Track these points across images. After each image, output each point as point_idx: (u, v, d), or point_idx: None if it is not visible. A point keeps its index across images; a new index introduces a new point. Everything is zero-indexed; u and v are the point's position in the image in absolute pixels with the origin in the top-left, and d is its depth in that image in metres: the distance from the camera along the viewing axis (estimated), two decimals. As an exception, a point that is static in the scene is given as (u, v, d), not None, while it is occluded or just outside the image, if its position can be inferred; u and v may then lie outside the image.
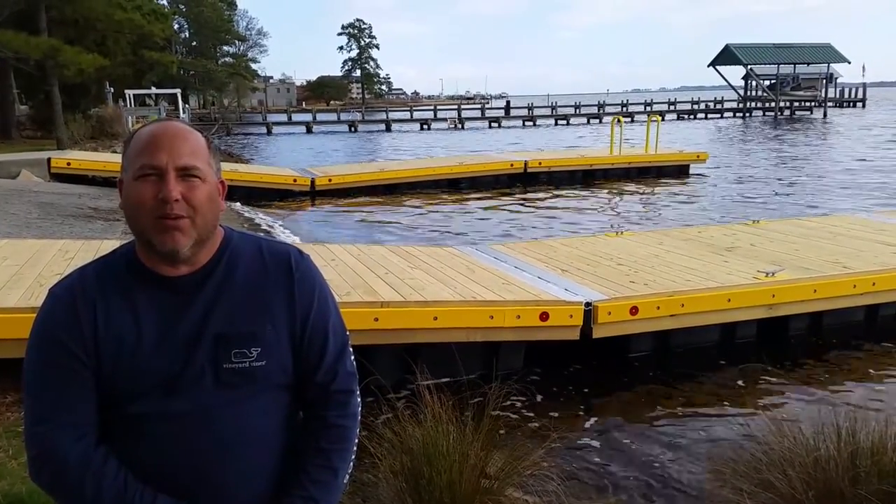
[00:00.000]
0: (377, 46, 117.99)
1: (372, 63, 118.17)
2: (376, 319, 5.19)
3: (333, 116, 56.67)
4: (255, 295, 1.43)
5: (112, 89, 30.98)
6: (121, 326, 1.37)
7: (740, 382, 5.62)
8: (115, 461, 1.36)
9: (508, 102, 62.70)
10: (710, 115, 56.81)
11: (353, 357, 1.56)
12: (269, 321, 1.42)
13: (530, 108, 55.80)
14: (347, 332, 1.56)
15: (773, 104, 54.15)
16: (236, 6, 79.52)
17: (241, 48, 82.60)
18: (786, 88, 54.87)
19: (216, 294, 1.41)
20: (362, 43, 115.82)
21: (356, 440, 1.54)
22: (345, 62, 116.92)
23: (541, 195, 16.96)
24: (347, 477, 1.52)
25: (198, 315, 1.39)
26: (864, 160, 23.12)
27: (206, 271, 1.42)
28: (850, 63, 56.12)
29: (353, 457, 1.53)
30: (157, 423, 1.36)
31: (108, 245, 7.08)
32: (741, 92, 59.34)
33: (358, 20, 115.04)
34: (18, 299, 4.93)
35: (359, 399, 1.56)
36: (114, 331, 1.36)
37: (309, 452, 1.47)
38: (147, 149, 1.35)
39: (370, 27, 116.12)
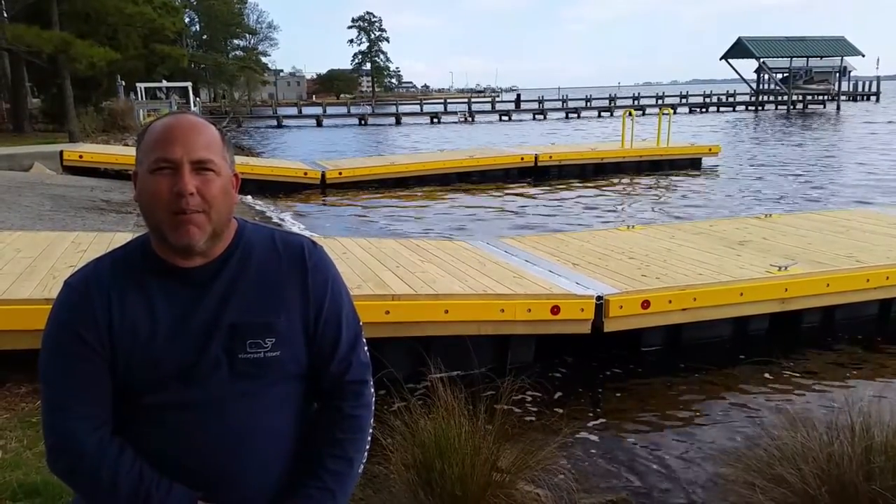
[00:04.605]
0: (387, 40, 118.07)
1: (382, 56, 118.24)
2: (387, 312, 5.20)
3: (343, 110, 56.67)
4: (269, 285, 1.43)
5: (123, 83, 31.14)
6: (136, 317, 1.37)
7: (752, 377, 5.59)
8: (131, 451, 1.37)
9: (519, 96, 62.42)
10: (722, 109, 56.46)
11: (366, 347, 1.57)
12: (284, 311, 1.42)
13: (541, 101, 55.65)
14: (360, 323, 1.56)
15: (785, 98, 53.73)
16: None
17: (252, 41, 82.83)
18: (798, 82, 54.40)
19: (230, 285, 1.41)
20: (372, 36, 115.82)
21: (370, 430, 1.54)
22: (355, 55, 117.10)
23: (552, 189, 16.91)
24: (362, 467, 1.52)
25: (213, 305, 1.39)
26: (878, 154, 22.92)
27: (221, 262, 1.42)
28: (864, 56, 55.62)
29: (367, 447, 1.53)
30: (172, 414, 1.37)
31: (121, 237, 7.12)
32: (753, 85, 58.93)
33: (368, 13, 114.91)
34: (32, 291, 4.96)
35: (372, 389, 1.56)
36: (129, 321, 1.36)
37: (324, 443, 1.48)
38: (162, 142, 1.35)
39: (380, 20, 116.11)
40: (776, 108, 54.47)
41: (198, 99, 48.08)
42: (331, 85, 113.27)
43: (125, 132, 25.55)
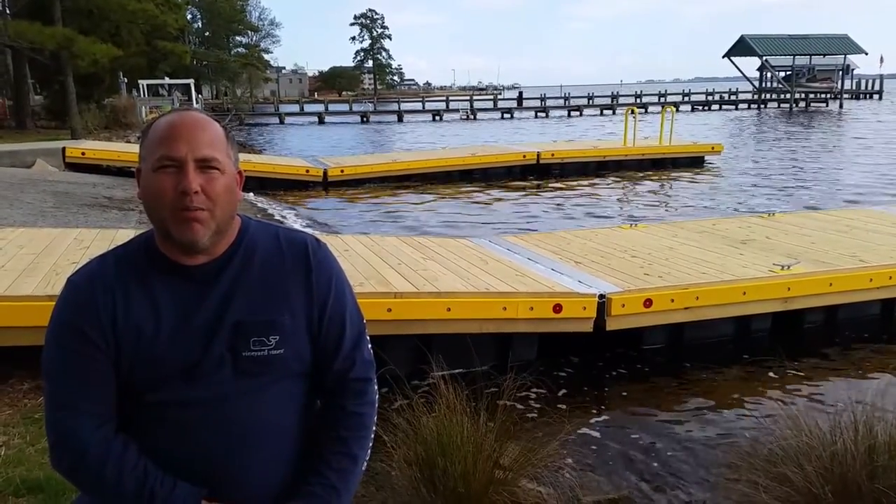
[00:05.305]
0: (389, 37, 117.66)
1: (384, 53, 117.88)
2: (389, 310, 5.19)
3: (345, 107, 56.75)
4: (273, 283, 1.43)
5: (126, 79, 31.15)
6: (139, 314, 1.36)
7: (755, 376, 5.58)
8: (134, 448, 1.37)
9: (521, 93, 62.36)
10: (724, 107, 56.38)
11: (370, 345, 1.57)
12: (287, 309, 1.42)
13: (543, 99, 55.60)
14: (364, 321, 1.56)
15: (788, 96, 53.60)
16: (249, -4, 79.43)
17: (254, 38, 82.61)
18: (801, 80, 54.28)
19: (234, 282, 1.41)
20: (374, 33, 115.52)
21: (374, 428, 1.54)
22: (357, 53, 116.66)
23: (554, 187, 16.90)
24: (365, 464, 1.52)
25: (216, 303, 1.39)
26: (882, 153, 22.87)
27: (224, 260, 1.42)
28: (867, 54, 55.49)
29: (371, 444, 1.53)
30: (176, 411, 1.36)
31: (124, 234, 7.13)
32: (756, 83, 58.80)
33: (370, 10, 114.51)
34: (35, 287, 4.96)
35: (376, 386, 1.56)
36: (132, 319, 1.36)
37: (327, 440, 1.47)
38: (166, 140, 1.34)
39: (382, 17, 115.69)
40: (779, 107, 54.32)
41: (200, 96, 48.12)
42: (333, 82, 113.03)
43: (127, 129, 25.58)
